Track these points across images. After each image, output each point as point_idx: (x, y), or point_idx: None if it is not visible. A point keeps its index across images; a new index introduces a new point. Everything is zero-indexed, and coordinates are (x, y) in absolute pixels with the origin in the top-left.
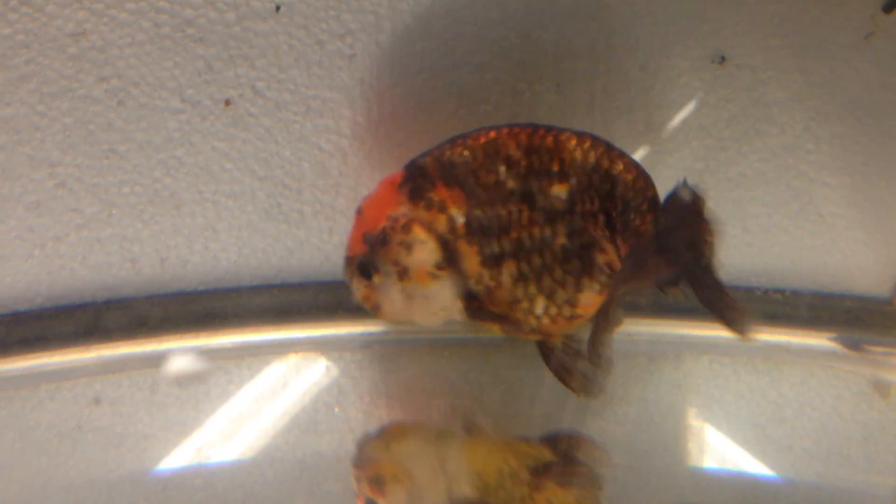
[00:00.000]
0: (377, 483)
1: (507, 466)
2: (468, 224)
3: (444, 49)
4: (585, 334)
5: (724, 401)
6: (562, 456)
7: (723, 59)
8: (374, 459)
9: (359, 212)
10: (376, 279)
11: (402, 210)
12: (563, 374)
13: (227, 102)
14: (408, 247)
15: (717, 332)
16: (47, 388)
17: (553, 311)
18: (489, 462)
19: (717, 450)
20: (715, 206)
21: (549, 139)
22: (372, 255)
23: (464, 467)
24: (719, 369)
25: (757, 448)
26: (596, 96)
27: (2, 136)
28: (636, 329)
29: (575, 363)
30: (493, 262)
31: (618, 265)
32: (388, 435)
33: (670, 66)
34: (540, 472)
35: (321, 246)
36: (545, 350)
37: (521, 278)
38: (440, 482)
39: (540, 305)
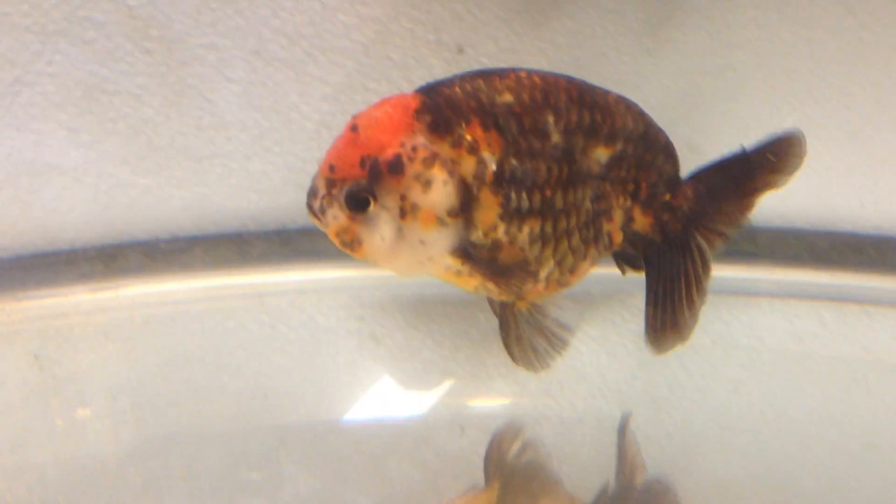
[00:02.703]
0: None
1: None
2: (499, 172)
3: None
4: (549, 305)
5: None
6: None
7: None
8: None
9: (355, 129)
10: (371, 210)
11: (421, 140)
12: (514, 342)
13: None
14: (426, 183)
15: None
16: None
17: (554, 276)
18: None
19: None
20: None
21: (600, 97)
22: (371, 183)
23: None
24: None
25: None
26: None
27: None
28: None
29: (532, 334)
30: (514, 217)
31: (618, 237)
32: None
33: None
34: None
35: None
36: (506, 313)
37: (539, 239)
38: None
39: (546, 270)
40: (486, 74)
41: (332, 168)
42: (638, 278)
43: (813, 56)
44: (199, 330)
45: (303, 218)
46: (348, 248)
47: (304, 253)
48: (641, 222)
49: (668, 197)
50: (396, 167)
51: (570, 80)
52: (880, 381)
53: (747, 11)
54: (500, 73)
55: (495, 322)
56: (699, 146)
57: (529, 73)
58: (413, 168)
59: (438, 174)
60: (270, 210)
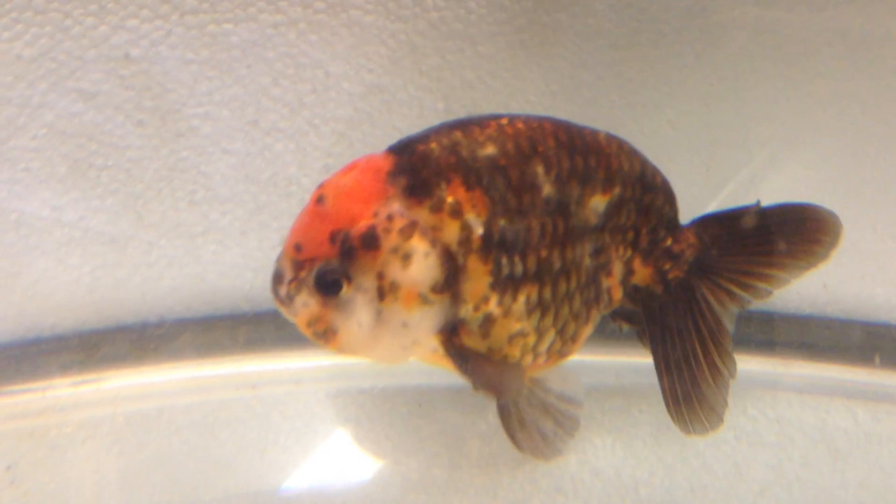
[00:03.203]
0: None
1: None
2: (487, 236)
3: None
4: (551, 378)
5: None
6: None
7: None
8: None
9: (321, 200)
10: (344, 294)
11: (397, 207)
12: (517, 428)
13: None
14: (405, 257)
15: None
16: None
17: (556, 347)
18: None
19: None
20: None
21: (590, 138)
22: (344, 262)
23: None
24: None
25: None
26: None
27: None
28: None
29: (537, 416)
30: (508, 285)
31: (618, 293)
32: None
33: None
34: None
35: None
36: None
37: (537, 307)
38: None
39: (547, 341)
40: (464, 125)
41: (298, 247)
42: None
43: (839, 130)
44: (186, 424)
45: None
46: (321, 338)
47: (302, 337)
48: (642, 274)
49: (668, 242)
50: (371, 241)
51: (557, 123)
52: None
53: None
54: (480, 122)
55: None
56: None
57: (511, 118)
58: (390, 241)
59: (419, 245)
60: (267, 290)
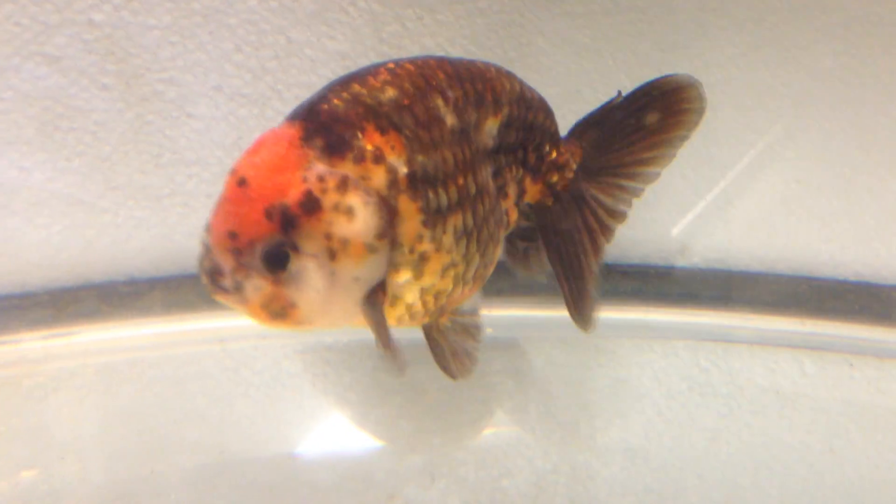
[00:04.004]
0: None
1: None
2: (411, 174)
3: None
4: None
5: None
6: None
7: None
8: None
9: (243, 182)
10: (294, 265)
11: (322, 168)
12: (449, 360)
13: None
14: (348, 211)
15: None
16: None
17: (480, 272)
18: None
19: None
20: None
21: (472, 66)
22: (288, 233)
23: None
24: None
25: None
26: None
27: None
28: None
29: (460, 340)
30: (437, 219)
31: (514, 214)
32: None
33: None
34: None
35: None
36: (432, 333)
37: (464, 235)
38: None
39: (473, 268)
40: (356, 76)
41: (232, 235)
42: (618, 319)
43: (794, 97)
44: (157, 377)
45: None
46: (279, 317)
47: None
48: (532, 191)
49: (553, 155)
50: (311, 205)
51: (439, 58)
52: (861, 430)
53: (727, 49)
54: (371, 71)
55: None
56: (673, 187)
57: (396, 62)
58: (329, 199)
59: (356, 197)
60: None
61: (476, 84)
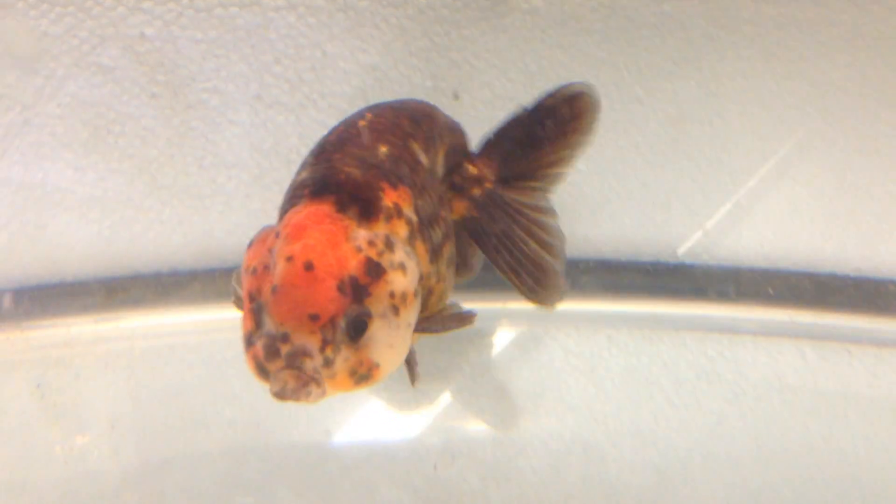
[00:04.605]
0: None
1: None
2: (419, 221)
3: None
4: None
5: None
6: None
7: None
8: None
9: (309, 267)
10: (370, 329)
11: (365, 233)
12: (413, 365)
13: None
14: (401, 267)
15: None
16: None
17: (451, 285)
18: None
19: None
20: None
21: (416, 106)
22: (361, 301)
23: None
24: None
25: None
26: None
27: None
28: None
29: (444, 326)
30: (436, 253)
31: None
32: None
33: None
34: None
35: None
36: (430, 329)
37: (451, 260)
38: None
39: (452, 283)
40: (345, 142)
41: (314, 317)
42: (629, 312)
43: (798, 106)
44: (196, 360)
45: None
46: (364, 381)
47: None
48: (459, 208)
49: (473, 171)
50: (375, 270)
51: (388, 105)
52: (859, 415)
53: (735, 63)
54: (354, 134)
55: (488, 355)
56: (684, 191)
57: (364, 117)
58: (385, 261)
59: (402, 252)
60: None
61: (425, 123)
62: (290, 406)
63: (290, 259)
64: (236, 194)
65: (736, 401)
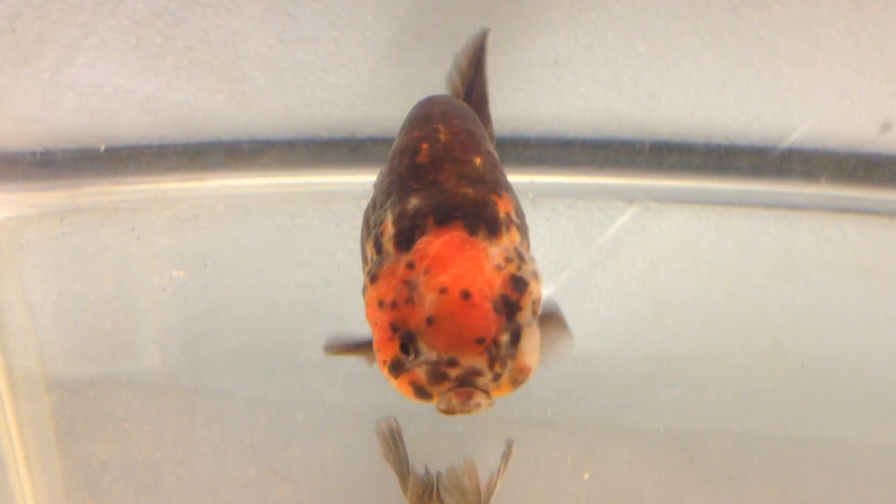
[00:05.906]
0: None
1: None
2: (522, 221)
3: None
4: None
5: None
6: None
7: None
8: None
9: (466, 296)
10: (522, 339)
11: (497, 251)
12: None
13: None
14: (534, 275)
15: None
16: None
17: None
18: None
19: None
20: None
21: (461, 104)
22: (514, 316)
23: None
24: None
25: None
26: None
27: None
28: None
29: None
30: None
31: None
32: None
33: None
34: None
35: None
36: None
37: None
38: None
39: None
40: (443, 158)
41: (480, 340)
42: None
43: None
44: (269, 225)
45: (371, 128)
46: (519, 384)
47: (371, 159)
48: None
49: None
50: (521, 285)
51: (447, 113)
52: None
53: None
54: (442, 150)
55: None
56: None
57: (443, 130)
58: (525, 272)
59: (531, 260)
60: (342, 120)
61: (475, 118)
62: (356, 270)
63: (444, 291)
64: (312, 68)
65: (777, 274)
